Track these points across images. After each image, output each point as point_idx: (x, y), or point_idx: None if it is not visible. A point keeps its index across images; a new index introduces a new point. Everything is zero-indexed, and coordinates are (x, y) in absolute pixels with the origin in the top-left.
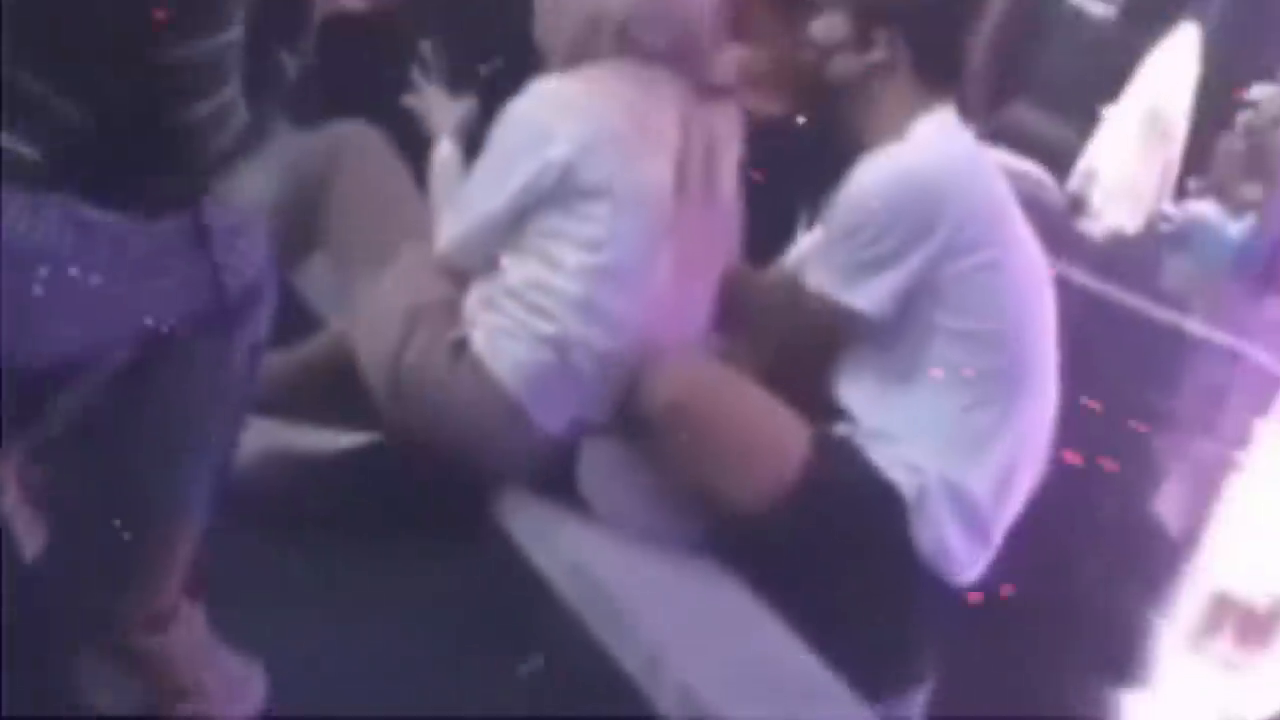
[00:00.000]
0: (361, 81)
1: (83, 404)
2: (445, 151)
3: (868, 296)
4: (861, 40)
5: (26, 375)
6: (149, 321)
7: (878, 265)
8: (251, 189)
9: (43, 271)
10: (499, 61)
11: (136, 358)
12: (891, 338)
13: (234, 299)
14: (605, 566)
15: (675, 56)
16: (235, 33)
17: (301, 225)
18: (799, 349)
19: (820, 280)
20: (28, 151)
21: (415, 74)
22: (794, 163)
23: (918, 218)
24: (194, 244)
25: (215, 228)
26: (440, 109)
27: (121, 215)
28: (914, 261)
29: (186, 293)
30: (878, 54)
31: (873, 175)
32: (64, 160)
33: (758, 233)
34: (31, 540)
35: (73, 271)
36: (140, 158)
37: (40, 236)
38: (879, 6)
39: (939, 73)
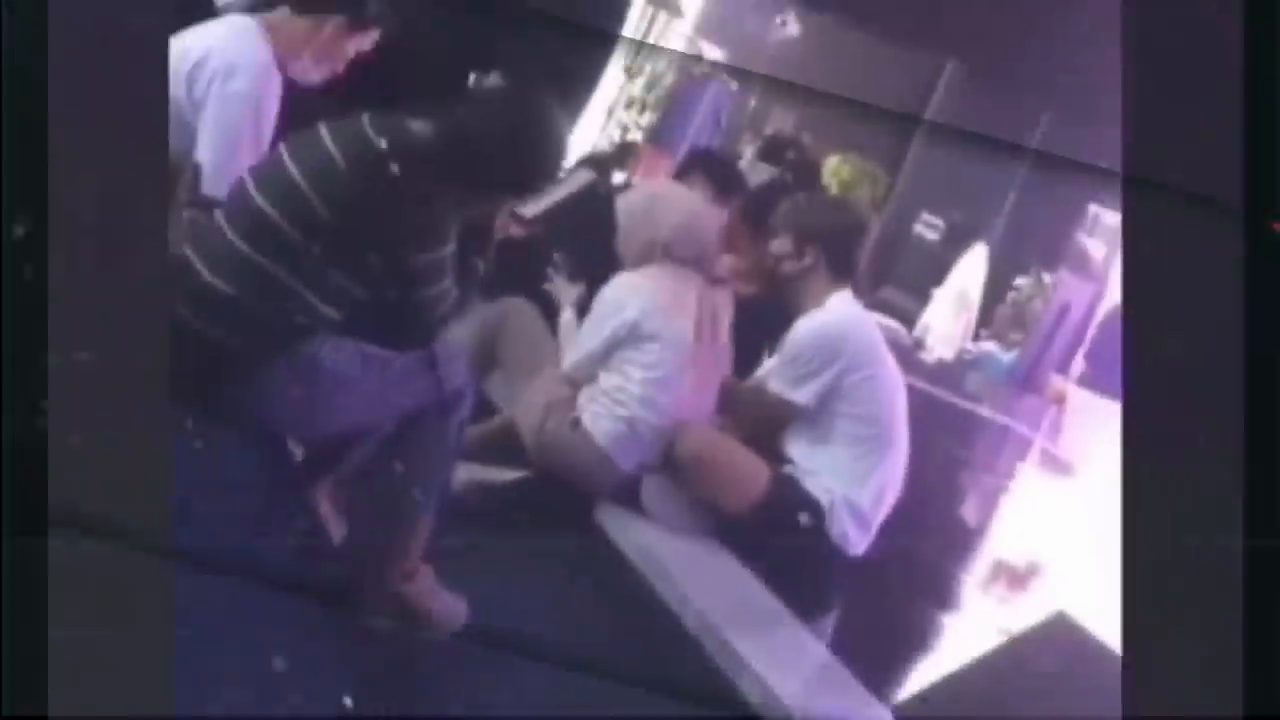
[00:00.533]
0: (521, 275)
1: (365, 456)
2: (567, 316)
3: (803, 395)
4: (798, 253)
5: (332, 440)
6: (401, 409)
7: (808, 377)
8: (460, 335)
9: (342, 384)
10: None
11: (395, 430)
12: (815, 417)
13: (450, 397)
14: (658, 546)
15: (695, 262)
16: (450, 248)
17: (487, 356)
18: (764, 424)
19: (776, 386)
20: (332, 313)
21: (551, 270)
22: (761, 322)
23: (830, 351)
24: (428, 367)
25: (439, 357)
26: (565, 291)
27: (386, 350)
28: (828, 375)
29: (422, 394)
30: (808, 261)
31: (805, 328)
32: (353, 319)
33: (741, 360)
34: (337, 533)
35: (358, 383)
36: (397, 318)
37: (341, 363)
38: (807, 234)
39: (842, 271)
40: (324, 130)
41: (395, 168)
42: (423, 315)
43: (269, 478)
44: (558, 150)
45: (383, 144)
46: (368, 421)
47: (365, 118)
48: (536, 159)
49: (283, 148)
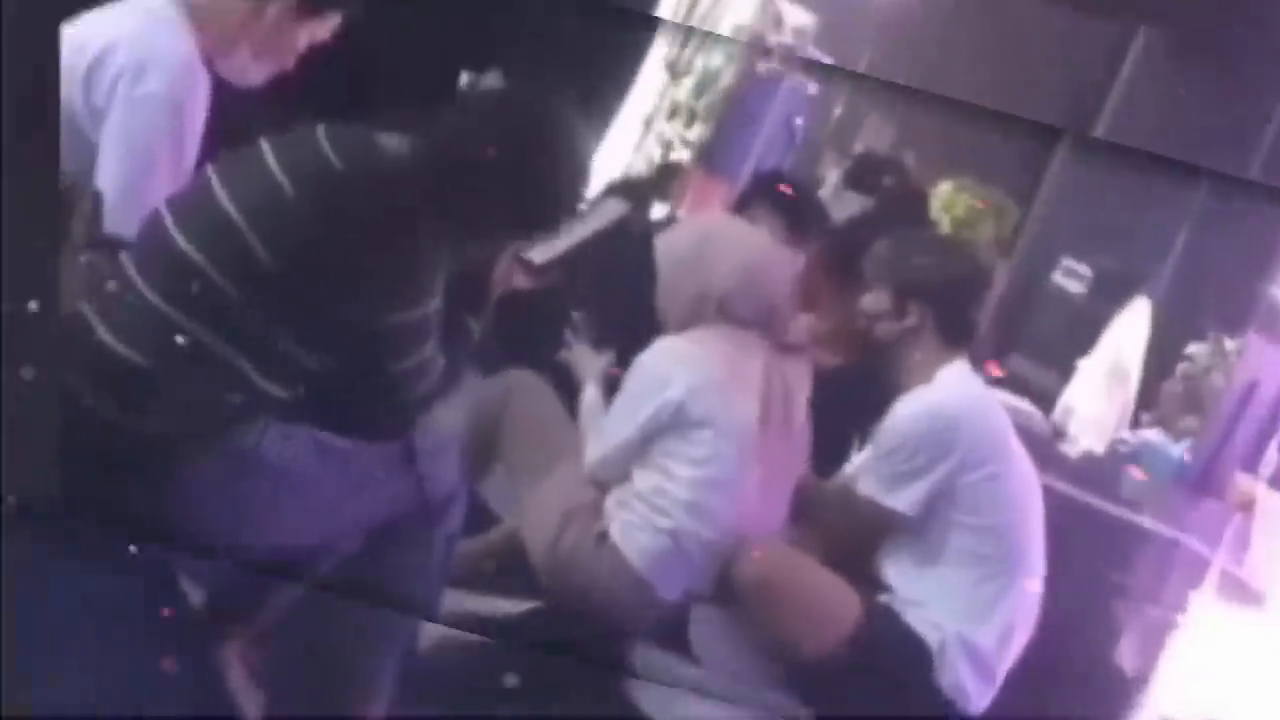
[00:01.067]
0: (528, 340)
1: (306, 594)
2: (590, 394)
3: (904, 500)
4: (898, 311)
5: (267, 564)
6: (368, 519)
7: (910, 477)
8: (447, 420)
9: (290, 485)
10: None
11: (360, 549)
12: (921, 530)
13: (435, 503)
14: (714, 709)
15: (761, 322)
16: (434, 304)
17: (484, 448)
18: (852, 538)
19: (868, 488)
20: (278, 391)
21: (569, 335)
22: (849, 402)
23: (939, 442)
24: (404, 463)
25: (420, 450)
26: (587, 362)
27: (349, 439)
28: (937, 474)
29: (399, 498)
30: (910, 321)
31: (907, 411)
32: (305, 398)
33: (823, 453)
34: (252, 710)
35: (311, 484)
36: (363, 397)
37: (288, 457)
38: (911, 287)
39: (955, 334)
40: (266, 147)
41: (360, 196)
42: (397, 394)
43: (159, 626)
44: (577, 174)
45: (343, 165)
46: (323, 536)
47: (320, 130)
48: (547, 185)
49: (211, 171)
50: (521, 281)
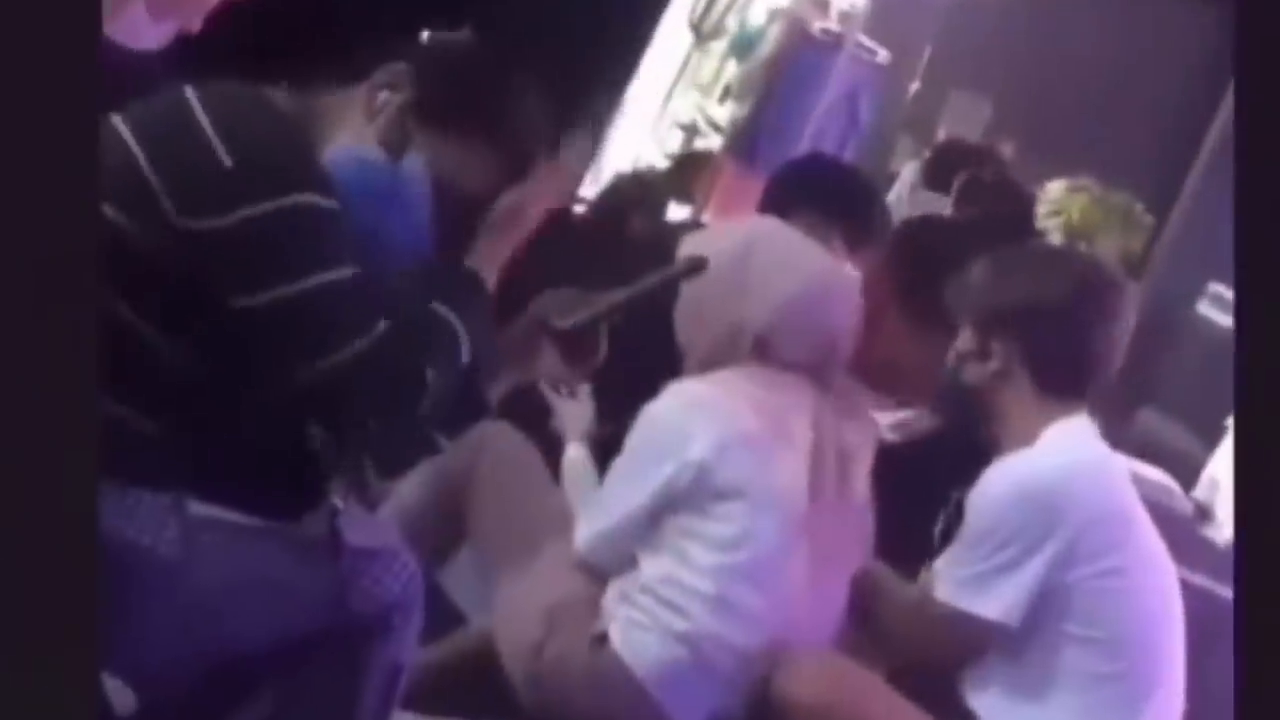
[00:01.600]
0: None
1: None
2: (575, 454)
3: (997, 605)
4: (982, 351)
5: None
6: (271, 635)
7: (1000, 572)
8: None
9: (155, 574)
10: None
11: (271, 672)
12: (1020, 644)
13: (365, 620)
14: None
15: (811, 364)
16: (332, 276)
17: (445, 525)
18: (929, 652)
19: (946, 589)
20: (145, 424)
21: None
22: (926, 469)
23: (1037, 525)
24: (327, 554)
25: (348, 543)
26: (569, 414)
27: (229, 511)
28: (1033, 568)
29: (317, 607)
30: (994, 364)
31: (996, 483)
32: (178, 435)
33: (891, 536)
34: None
35: (182, 574)
36: (260, 425)
37: (151, 532)
38: (992, 320)
39: (1059, 381)
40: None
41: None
42: (306, 420)
43: None
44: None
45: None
46: (198, 655)
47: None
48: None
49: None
50: (552, 365)
